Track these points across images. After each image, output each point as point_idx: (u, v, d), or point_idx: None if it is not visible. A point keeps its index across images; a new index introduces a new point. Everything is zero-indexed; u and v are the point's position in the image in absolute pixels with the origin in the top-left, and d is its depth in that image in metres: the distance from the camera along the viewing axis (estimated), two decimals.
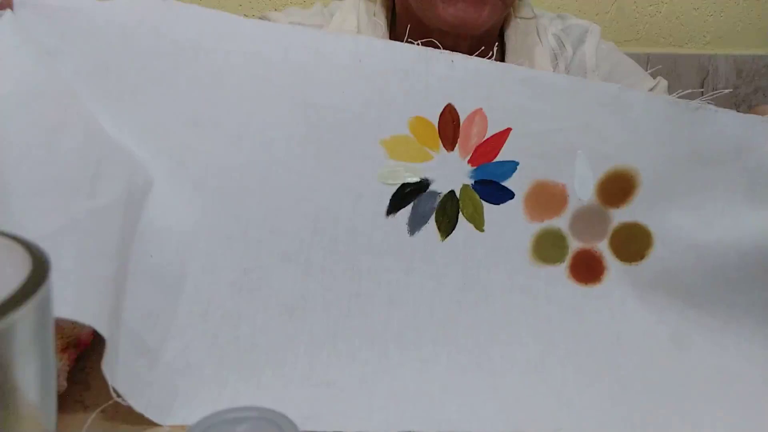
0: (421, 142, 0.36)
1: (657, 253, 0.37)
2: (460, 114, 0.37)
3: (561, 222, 0.37)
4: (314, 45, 0.36)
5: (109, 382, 0.28)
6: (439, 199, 0.37)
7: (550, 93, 0.36)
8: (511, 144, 0.37)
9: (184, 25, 0.35)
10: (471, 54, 0.68)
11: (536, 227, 0.37)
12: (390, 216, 0.36)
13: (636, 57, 0.74)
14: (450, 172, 0.37)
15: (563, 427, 0.30)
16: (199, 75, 0.35)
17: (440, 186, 0.37)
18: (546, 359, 0.34)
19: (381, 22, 0.69)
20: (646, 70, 0.70)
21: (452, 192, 0.37)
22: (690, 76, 1.04)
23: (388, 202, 0.37)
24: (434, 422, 0.31)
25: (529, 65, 0.68)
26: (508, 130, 0.37)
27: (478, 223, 0.37)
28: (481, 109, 0.36)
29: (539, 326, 0.35)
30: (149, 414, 0.29)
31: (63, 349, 0.31)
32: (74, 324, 0.32)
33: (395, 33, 0.71)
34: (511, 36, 0.69)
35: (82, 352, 0.33)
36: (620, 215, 0.37)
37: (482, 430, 0.30)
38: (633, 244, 0.37)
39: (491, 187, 0.37)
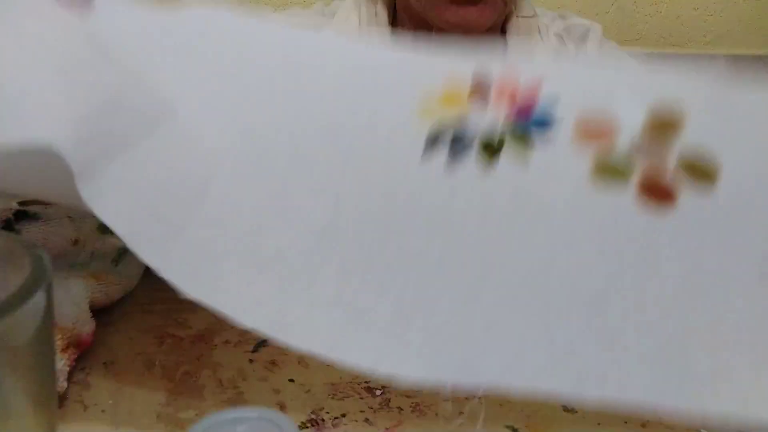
0: (456, 101, 0.36)
1: (728, 180, 0.33)
2: (492, 76, 0.36)
3: (618, 144, 0.34)
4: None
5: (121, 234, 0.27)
6: (479, 132, 0.34)
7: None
8: (548, 91, 0.35)
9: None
10: None
11: (592, 148, 0.34)
12: (428, 146, 0.34)
13: (636, 57, 0.75)
14: (490, 116, 0.35)
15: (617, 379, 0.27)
16: (243, 54, 0.37)
17: (481, 123, 0.35)
18: (610, 295, 0.30)
19: (383, 21, 0.70)
20: None
21: (494, 126, 0.34)
22: None
23: (425, 133, 0.35)
24: (475, 373, 0.28)
25: None
26: (541, 77, 0.35)
27: (525, 147, 0.34)
28: (512, 68, 0.36)
29: (604, 252, 0.31)
30: (174, 279, 0.27)
31: (63, 349, 0.31)
32: (74, 324, 0.32)
33: (397, 33, 0.71)
34: (513, 35, 0.69)
35: (82, 352, 0.33)
36: (683, 142, 0.34)
37: (530, 386, 0.27)
38: (700, 168, 0.33)
39: (538, 122, 0.35)
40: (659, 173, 0.33)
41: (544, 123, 0.34)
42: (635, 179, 0.32)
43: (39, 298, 0.16)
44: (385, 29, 0.70)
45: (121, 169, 0.29)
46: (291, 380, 0.32)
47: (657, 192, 0.32)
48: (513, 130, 0.34)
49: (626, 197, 0.32)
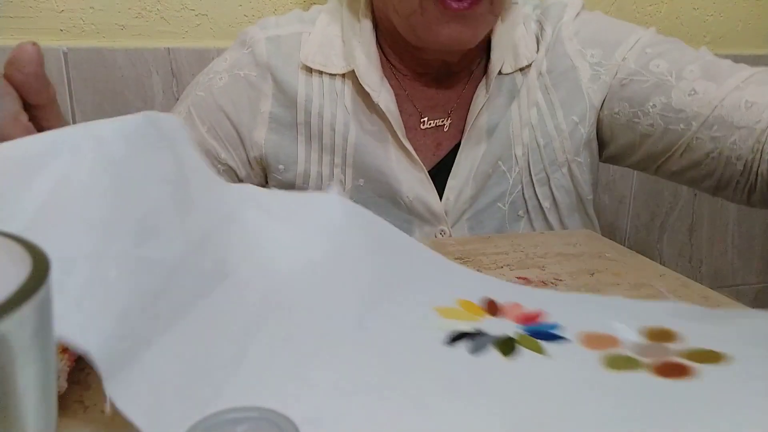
0: (470, 312, 0.41)
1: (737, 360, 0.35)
2: (498, 304, 0.42)
3: (623, 349, 0.36)
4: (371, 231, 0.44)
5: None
6: (497, 339, 0.37)
7: (583, 300, 0.43)
8: (547, 318, 0.40)
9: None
10: (459, 59, 0.67)
11: (601, 352, 0.36)
12: (450, 339, 0.37)
13: (612, 23, 0.72)
14: (501, 326, 0.39)
15: None
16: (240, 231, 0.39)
17: (495, 333, 0.38)
18: None
19: (367, 28, 0.67)
20: None
21: (508, 336, 0.38)
22: None
23: (447, 329, 0.38)
24: None
25: (513, 61, 0.68)
26: (542, 312, 0.41)
27: (538, 351, 0.36)
28: (518, 303, 0.42)
29: (626, 418, 0.30)
30: None
31: (63, 349, 0.31)
32: None
33: (381, 41, 0.69)
34: (496, 33, 0.67)
35: None
36: (677, 347, 0.37)
37: None
38: (707, 354, 0.35)
39: (544, 335, 0.38)
40: (669, 360, 0.35)
41: (551, 337, 0.38)
42: (647, 364, 0.35)
43: (39, 298, 0.16)
44: (372, 39, 0.68)
45: (146, 366, 0.29)
46: None
47: (672, 370, 0.34)
48: (524, 337, 0.38)
49: (643, 374, 0.34)
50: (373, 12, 0.67)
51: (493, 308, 0.41)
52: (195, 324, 0.32)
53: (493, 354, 0.35)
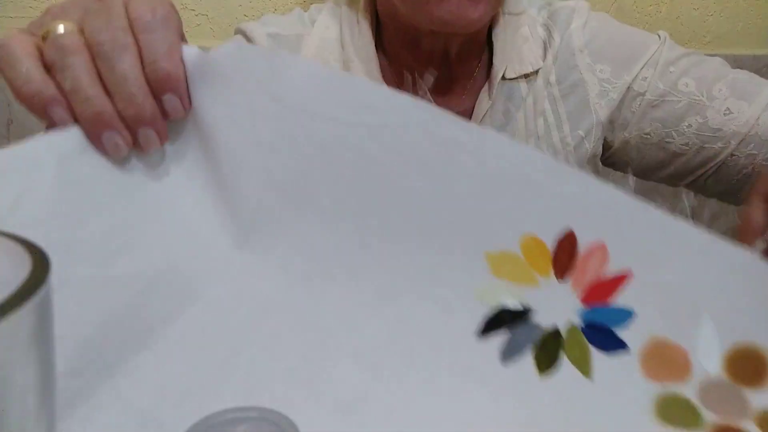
0: (531, 264, 0.31)
1: None
2: (579, 243, 0.31)
3: (687, 390, 0.30)
4: (437, 129, 0.31)
5: None
6: (540, 334, 0.31)
7: (683, 243, 0.30)
8: (629, 290, 0.30)
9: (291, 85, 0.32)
10: (461, 57, 0.66)
11: (658, 389, 0.30)
12: (482, 338, 0.31)
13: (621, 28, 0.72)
14: (558, 304, 0.31)
15: None
16: (300, 141, 0.32)
17: (544, 319, 0.31)
18: None
19: (365, 29, 0.67)
20: None
21: (557, 330, 0.31)
22: None
23: (480, 323, 0.31)
24: None
25: (518, 65, 0.66)
26: (630, 274, 0.31)
27: (585, 369, 0.30)
28: (604, 244, 0.31)
29: None
30: None
31: None
32: None
33: (381, 40, 0.68)
34: (499, 35, 0.66)
35: None
36: (760, 399, 0.29)
37: None
38: None
39: (603, 335, 0.30)
40: (733, 428, 0.29)
41: (609, 344, 0.30)
42: (708, 426, 0.29)
43: (39, 298, 0.16)
44: (369, 38, 0.67)
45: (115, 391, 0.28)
46: None
47: None
48: (575, 336, 0.30)
49: None
50: (373, 9, 0.67)
51: (564, 260, 0.31)
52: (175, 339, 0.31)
53: (527, 366, 0.30)
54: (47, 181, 0.29)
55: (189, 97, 0.32)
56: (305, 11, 0.72)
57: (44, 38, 0.31)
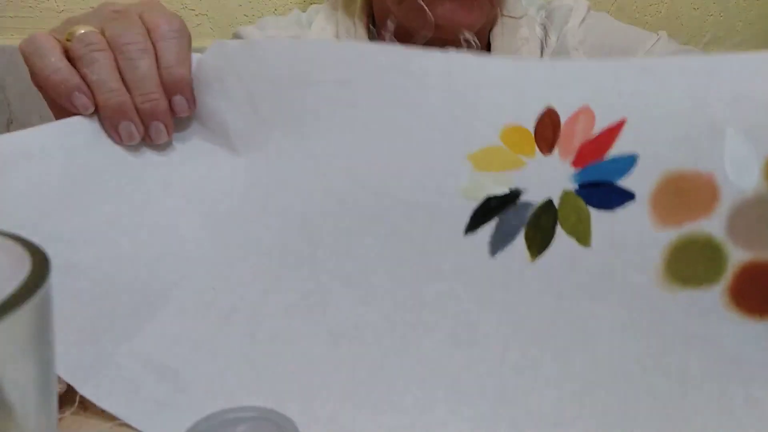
0: (514, 150, 0.30)
1: None
2: (561, 115, 0.30)
3: (712, 225, 0.26)
4: (405, 65, 0.32)
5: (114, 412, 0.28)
6: (531, 211, 0.29)
7: (681, 72, 0.28)
8: (627, 136, 0.28)
9: (279, 60, 0.35)
10: None
11: (671, 235, 0.27)
12: (469, 234, 0.30)
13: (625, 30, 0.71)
14: (547, 177, 0.29)
15: None
16: (294, 108, 0.34)
17: (534, 195, 0.29)
18: None
19: (361, 32, 0.67)
20: None
21: (549, 201, 0.29)
22: None
23: (468, 218, 0.30)
24: None
25: None
26: (623, 121, 0.28)
27: (583, 235, 0.28)
28: (587, 105, 0.29)
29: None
30: None
31: None
32: None
33: (377, 42, 0.68)
34: (497, 37, 0.66)
35: None
36: None
37: None
38: None
39: (602, 190, 0.28)
40: (764, 271, 0.25)
41: (612, 198, 0.28)
42: (726, 283, 0.25)
43: (39, 298, 0.16)
44: (365, 40, 0.67)
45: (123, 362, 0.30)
46: None
47: (758, 298, 0.25)
48: (572, 199, 0.29)
49: (711, 303, 0.25)
50: (369, 12, 0.67)
51: (547, 134, 0.30)
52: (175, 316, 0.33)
53: (518, 252, 0.29)
54: (56, 169, 0.32)
55: (194, 99, 0.36)
56: (303, 12, 0.72)
57: (68, 39, 0.34)
